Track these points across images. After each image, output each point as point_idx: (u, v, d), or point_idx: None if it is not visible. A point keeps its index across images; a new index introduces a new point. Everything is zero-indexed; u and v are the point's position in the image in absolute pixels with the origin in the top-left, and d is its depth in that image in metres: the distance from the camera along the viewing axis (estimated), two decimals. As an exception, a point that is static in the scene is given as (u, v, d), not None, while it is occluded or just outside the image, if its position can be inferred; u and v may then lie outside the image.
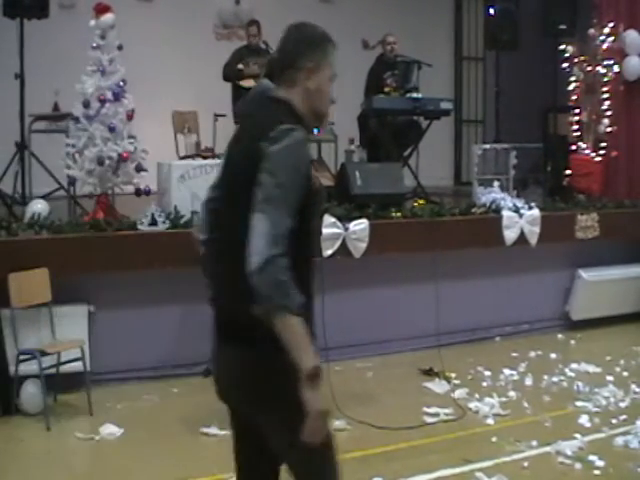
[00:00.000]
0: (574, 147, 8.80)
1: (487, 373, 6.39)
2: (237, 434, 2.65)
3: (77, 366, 5.51)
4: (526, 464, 4.67)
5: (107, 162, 6.06)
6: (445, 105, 8.16)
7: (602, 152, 8.63)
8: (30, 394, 5.44)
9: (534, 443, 4.95)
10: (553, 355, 6.94)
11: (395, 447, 4.94)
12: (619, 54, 8.58)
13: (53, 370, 5.56)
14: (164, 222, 6.10)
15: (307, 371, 2.27)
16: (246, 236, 2.28)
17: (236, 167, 2.46)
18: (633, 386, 6.09)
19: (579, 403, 5.73)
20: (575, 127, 8.79)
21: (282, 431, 2.41)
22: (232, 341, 2.49)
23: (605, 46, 8.63)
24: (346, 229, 6.56)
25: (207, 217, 2.65)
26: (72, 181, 6.42)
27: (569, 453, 4.79)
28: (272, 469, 2.61)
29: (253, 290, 2.23)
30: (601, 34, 8.66)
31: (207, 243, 2.64)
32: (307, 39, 2.55)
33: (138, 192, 6.34)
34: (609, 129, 8.58)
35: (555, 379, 6.28)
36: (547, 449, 4.87)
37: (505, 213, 7.38)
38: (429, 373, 6.34)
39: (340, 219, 6.57)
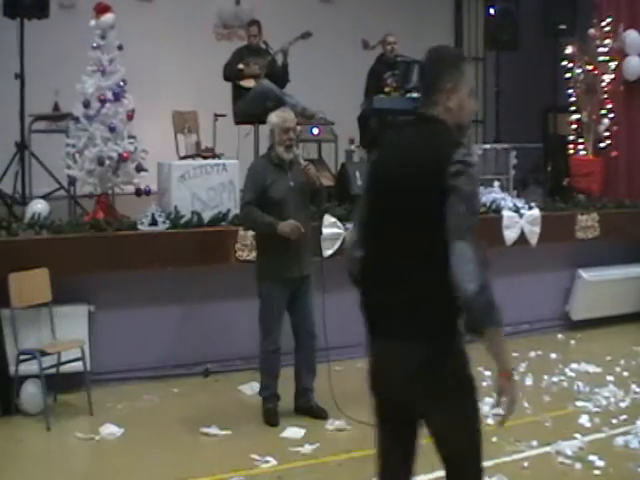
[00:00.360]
0: (574, 147, 8.80)
1: (487, 373, 6.37)
2: (393, 427, 2.95)
3: (77, 366, 5.52)
4: (526, 464, 4.68)
5: (107, 162, 6.06)
6: (445, 105, 8.15)
7: (602, 152, 8.63)
8: (30, 394, 5.44)
9: (534, 443, 4.95)
10: (553, 355, 6.94)
11: (395, 447, 4.93)
12: (619, 54, 8.58)
13: (53, 370, 5.56)
14: (164, 222, 6.10)
15: (508, 370, 2.69)
16: (431, 257, 2.61)
17: (410, 187, 2.67)
18: (633, 386, 6.09)
19: (579, 403, 5.73)
20: (575, 127, 8.79)
21: (456, 418, 2.78)
22: (412, 343, 2.71)
23: (605, 46, 8.63)
24: (346, 229, 6.56)
25: (365, 234, 2.87)
26: (72, 181, 6.43)
27: (569, 453, 4.80)
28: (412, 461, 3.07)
29: (466, 311, 2.59)
30: (601, 34, 8.66)
31: (372, 260, 2.84)
32: (444, 61, 2.80)
33: (138, 192, 6.34)
34: (609, 129, 8.58)
35: (555, 379, 6.28)
36: (547, 449, 4.87)
37: (505, 213, 7.37)
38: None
39: (340, 219, 6.56)
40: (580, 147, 8.75)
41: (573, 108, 8.82)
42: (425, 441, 5.16)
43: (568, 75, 8.79)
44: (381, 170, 2.85)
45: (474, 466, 2.89)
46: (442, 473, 4.51)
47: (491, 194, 7.63)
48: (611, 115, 8.59)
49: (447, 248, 2.57)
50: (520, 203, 7.56)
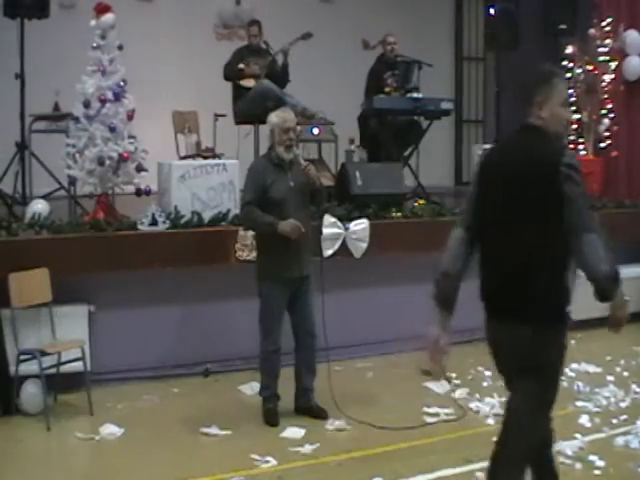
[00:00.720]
0: (574, 147, 8.79)
1: (487, 373, 6.39)
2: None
3: (77, 366, 5.52)
4: (526, 464, 4.67)
5: (107, 162, 6.05)
6: (445, 105, 8.15)
7: (602, 152, 8.62)
8: (30, 394, 5.44)
9: (534, 443, 4.95)
10: (553, 355, 6.93)
11: (395, 447, 4.94)
12: (619, 54, 8.58)
13: (53, 370, 5.56)
14: (164, 222, 6.10)
15: (623, 304, 3.23)
16: (544, 249, 3.13)
17: (525, 188, 3.13)
18: (633, 386, 6.09)
19: (579, 403, 5.73)
20: (575, 127, 8.78)
21: (533, 395, 3.21)
22: (522, 325, 3.17)
23: (605, 46, 8.63)
24: (346, 229, 6.56)
25: (476, 235, 3.35)
26: (72, 181, 6.42)
27: (569, 453, 4.79)
28: None
29: (599, 287, 3.18)
30: (601, 34, 8.66)
31: (489, 254, 3.35)
32: (535, 78, 3.30)
33: (138, 192, 6.34)
34: (609, 129, 8.58)
35: (555, 379, 6.28)
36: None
37: (505, 213, 7.36)
38: (429, 373, 6.34)
39: (340, 219, 6.57)
40: (580, 147, 8.74)
41: (573, 108, 8.81)
42: (424, 441, 5.17)
43: (568, 75, 8.79)
44: (494, 174, 3.28)
45: (526, 443, 3.28)
46: (442, 473, 4.56)
47: (491, 194, 7.61)
48: (611, 115, 8.59)
49: (560, 240, 3.08)
50: (520, 203, 7.54)
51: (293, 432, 5.15)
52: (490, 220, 3.28)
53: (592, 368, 6.54)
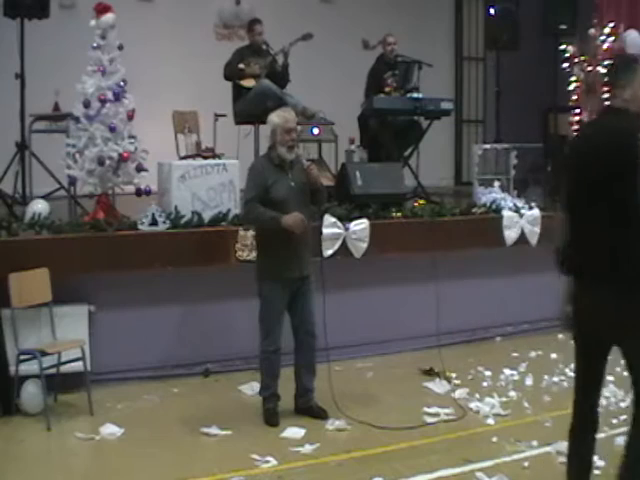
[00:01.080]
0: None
1: (487, 373, 6.40)
2: (592, 360, 3.78)
3: (77, 366, 5.52)
4: (526, 464, 4.68)
5: (107, 162, 6.05)
6: (445, 105, 8.16)
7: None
8: (30, 394, 5.44)
9: (534, 443, 4.95)
10: (553, 355, 6.93)
11: (395, 447, 4.95)
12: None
13: (53, 370, 5.56)
14: (164, 222, 6.10)
15: None
16: (629, 219, 3.40)
17: (612, 160, 3.44)
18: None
19: (579, 403, 5.72)
20: (575, 127, 8.78)
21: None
22: (617, 288, 3.46)
23: (605, 46, 8.63)
24: (346, 229, 6.57)
25: (569, 215, 3.65)
26: (72, 181, 6.41)
27: (569, 453, 4.79)
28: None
29: None
30: (601, 34, 8.66)
31: (581, 224, 3.60)
32: (619, 65, 3.71)
33: (139, 192, 6.34)
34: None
35: (555, 379, 6.28)
36: (547, 449, 4.87)
37: (505, 213, 7.37)
38: (429, 373, 6.34)
39: (340, 219, 6.57)
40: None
41: (573, 108, 8.81)
42: (424, 441, 5.18)
43: (573, 77, 8.77)
44: (582, 153, 3.62)
45: None
46: (442, 473, 4.56)
47: (491, 194, 7.63)
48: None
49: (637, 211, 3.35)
50: (520, 203, 7.56)
51: (293, 432, 5.15)
52: (579, 195, 3.59)
53: (592, 368, 6.52)
